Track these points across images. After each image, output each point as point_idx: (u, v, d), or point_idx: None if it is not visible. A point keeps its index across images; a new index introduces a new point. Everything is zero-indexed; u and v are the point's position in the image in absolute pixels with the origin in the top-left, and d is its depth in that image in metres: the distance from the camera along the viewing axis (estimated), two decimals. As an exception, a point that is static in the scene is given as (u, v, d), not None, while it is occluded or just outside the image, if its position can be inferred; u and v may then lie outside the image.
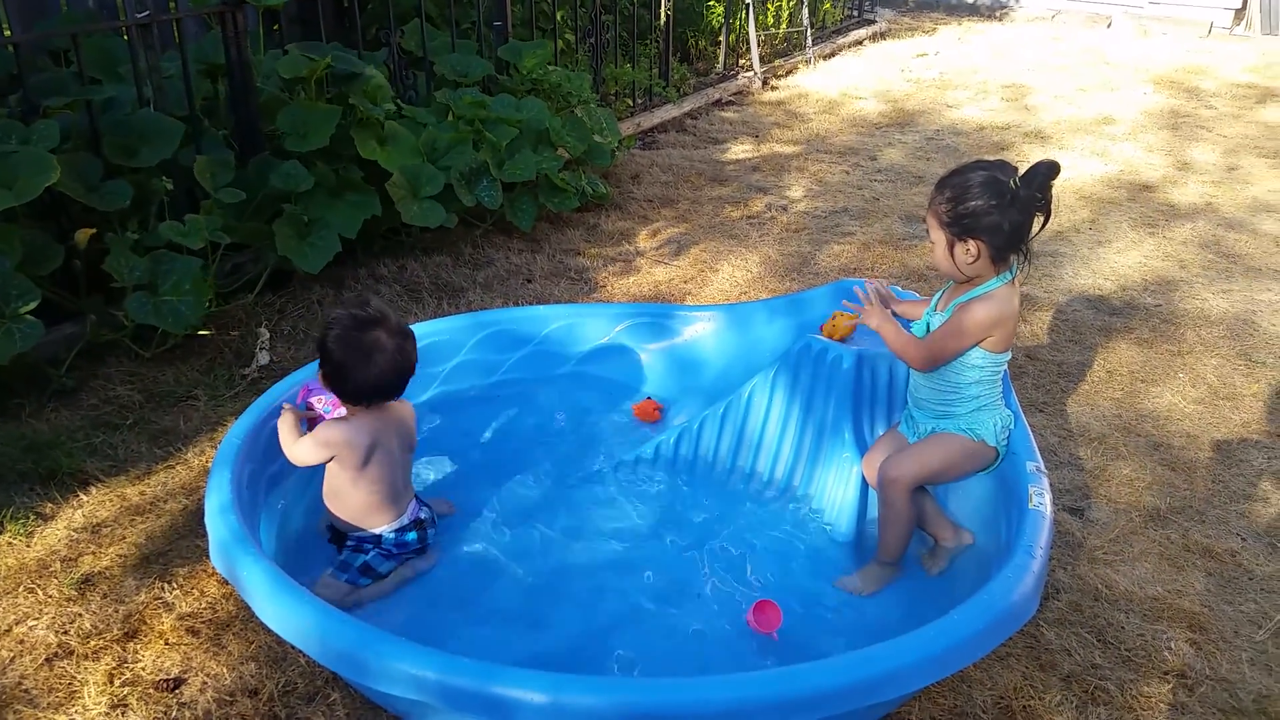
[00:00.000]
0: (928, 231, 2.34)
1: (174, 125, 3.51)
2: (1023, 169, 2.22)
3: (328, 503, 2.39)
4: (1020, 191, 2.19)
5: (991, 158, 2.31)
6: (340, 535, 2.42)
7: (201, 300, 3.32)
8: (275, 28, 4.49)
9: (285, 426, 2.34)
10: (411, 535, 2.41)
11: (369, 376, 2.23)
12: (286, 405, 2.39)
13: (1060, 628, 2.36)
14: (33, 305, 3.00)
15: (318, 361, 2.30)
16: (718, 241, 4.65)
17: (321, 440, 2.28)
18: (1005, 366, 2.40)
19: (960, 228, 2.23)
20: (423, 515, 2.45)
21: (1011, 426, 2.41)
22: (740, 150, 6.10)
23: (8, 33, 4.01)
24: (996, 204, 2.19)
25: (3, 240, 3.03)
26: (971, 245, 2.24)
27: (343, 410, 2.36)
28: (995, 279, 2.28)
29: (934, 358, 2.35)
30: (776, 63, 8.01)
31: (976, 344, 2.30)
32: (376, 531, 2.37)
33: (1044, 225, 2.26)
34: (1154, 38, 9.48)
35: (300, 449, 2.30)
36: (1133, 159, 5.96)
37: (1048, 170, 2.21)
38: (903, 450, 2.44)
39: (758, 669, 2.14)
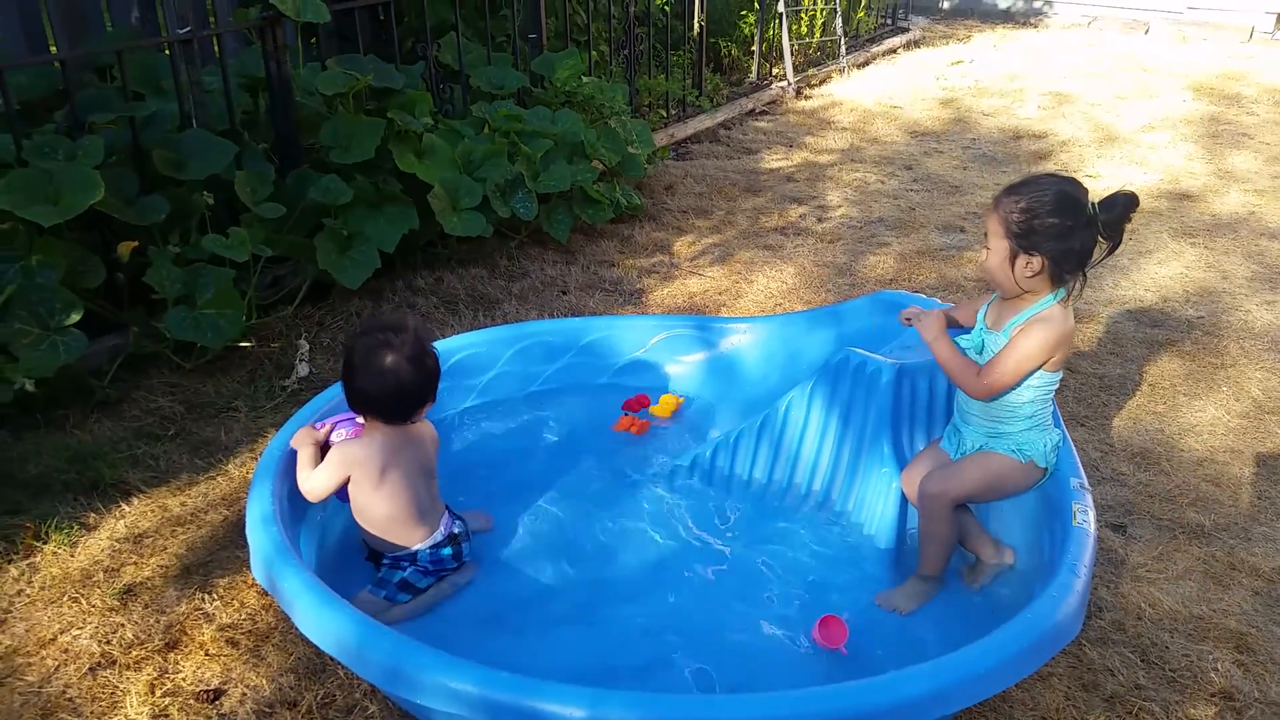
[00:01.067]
0: (985, 235, 2.27)
1: (225, 145, 3.56)
2: (1097, 191, 2.18)
3: (360, 523, 2.40)
4: (1099, 216, 2.15)
5: (1062, 172, 2.25)
6: (378, 555, 2.43)
7: (236, 313, 3.35)
8: (313, 41, 4.54)
9: (303, 459, 2.36)
10: (447, 550, 2.41)
11: (367, 389, 2.27)
12: (300, 437, 2.39)
13: (1103, 647, 2.33)
14: (76, 318, 3.05)
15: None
16: (753, 252, 4.64)
17: (337, 460, 2.31)
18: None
19: (1029, 241, 2.17)
20: (456, 530, 2.45)
21: (1060, 445, 2.37)
22: (774, 160, 6.09)
23: (54, 50, 4.08)
24: (1073, 225, 2.15)
25: (48, 254, 3.08)
26: (1036, 260, 2.18)
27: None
28: (1050, 296, 2.24)
29: (995, 387, 2.28)
30: (810, 71, 7.99)
31: (1039, 367, 2.25)
32: (412, 549, 2.38)
33: (1109, 254, 2.22)
34: (1193, 43, 9.36)
35: (316, 477, 2.32)
36: (1173, 167, 5.88)
37: (1127, 202, 2.16)
38: (946, 466, 2.41)
39: (798, 688, 2.12)
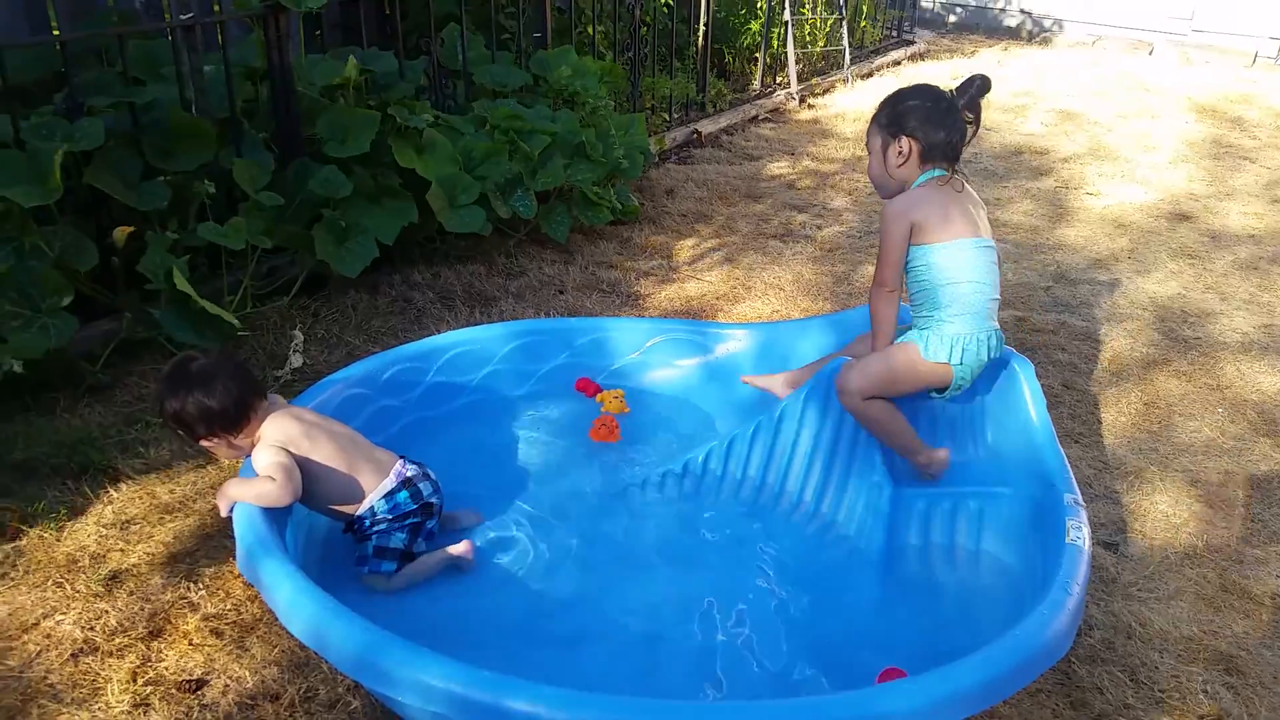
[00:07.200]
0: (868, 152, 2.63)
1: (208, 129, 3.53)
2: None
3: (312, 492, 2.35)
4: (957, 100, 2.43)
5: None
6: (351, 527, 2.43)
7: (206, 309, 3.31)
8: (317, 33, 4.52)
9: (245, 489, 2.23)
10: (403, 495, 2.38)
11: (223, 406, 2.25)
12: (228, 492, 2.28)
13: (1092, 665, 2.32)
14: (68, 301, 3.02)
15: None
16: (752, 258, 4.63)
17: (274, 451, 2.26)
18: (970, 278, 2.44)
19: (896, 126, 2.52)
20: (410, 473, 2.42)
21: (986, 357, 2.38)
22: (776, 167, 6.09)
23: (56, 32, 4.05)
24: (931, 106, 2.48)
25: (35, 236, 3.06)
26: (904, 143, 2.51)
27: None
28: (920, 179, 2.54)
29: (880, 268, 2.54)
30: (814, 81, 7.99)
31: (904, 236, 2.47)
32: (368, 505, 2.37)
33: (973, 136, 2.51)
34: (1197, 66, 9.39)
35: (266, 471, 2.24)
36: (1174, 188, 5.88)
37: (981, 84, 2.46)
38: (859, 359, 2.61)
39: (776, 699, 2.11)
